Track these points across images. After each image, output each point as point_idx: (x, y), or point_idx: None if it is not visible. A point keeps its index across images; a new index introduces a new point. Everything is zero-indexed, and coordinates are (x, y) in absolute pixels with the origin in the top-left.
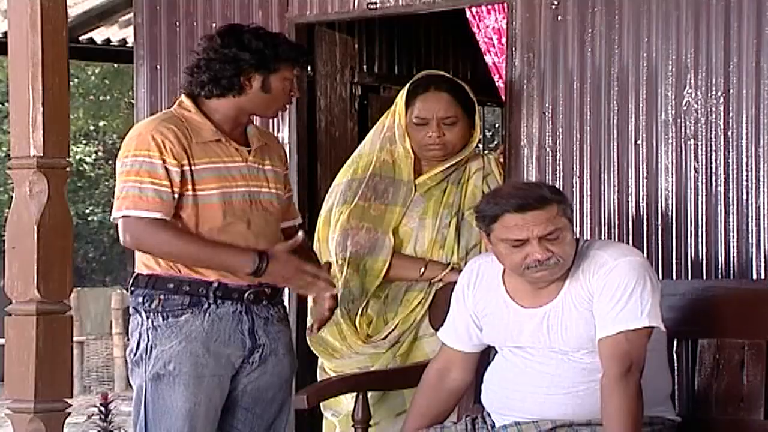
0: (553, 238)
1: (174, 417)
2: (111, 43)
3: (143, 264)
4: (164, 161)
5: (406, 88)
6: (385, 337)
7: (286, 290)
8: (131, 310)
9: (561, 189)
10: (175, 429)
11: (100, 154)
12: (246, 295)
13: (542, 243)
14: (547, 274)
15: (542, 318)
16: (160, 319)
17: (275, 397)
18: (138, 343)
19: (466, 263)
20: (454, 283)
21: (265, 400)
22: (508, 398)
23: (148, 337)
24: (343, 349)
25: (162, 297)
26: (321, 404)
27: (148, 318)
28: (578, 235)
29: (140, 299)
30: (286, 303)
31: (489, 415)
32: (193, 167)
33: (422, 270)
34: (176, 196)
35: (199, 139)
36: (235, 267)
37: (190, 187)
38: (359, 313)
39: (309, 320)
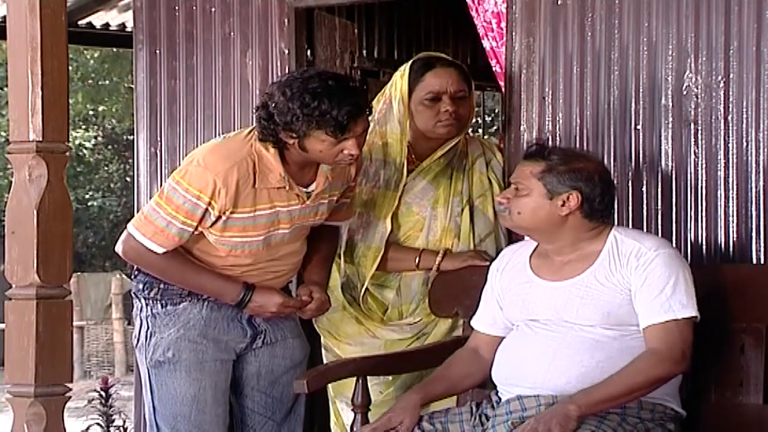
0: None
1: (180, 402)
2: (110, 28)
3: None
4: (209, 205)
5: (405, 69)
6: (408, 325)
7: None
8: (133, 295)
9: None
10: (183, 414)
11: (99, 138)
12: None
13: None
14: None
15: (562, 291)
16: (159, 306)
17: (292, 380)
18: (140, 330)
19: (475, 250)
20: (455, 270)
21: (281, 383)
22: (514, 366)
23: (148, 324)
24: (359, 333)
25: (161, 286)
26: (331, 391)
27: (147, 305)
28: None
29: (140, 286)
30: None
31: (496, 393)
32: (237, 215)
33: (417, 260)
34: (197, 231)
35: (263, 185)
36: (220, 297)
37: (225, 230)
38: (361, 301)
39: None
